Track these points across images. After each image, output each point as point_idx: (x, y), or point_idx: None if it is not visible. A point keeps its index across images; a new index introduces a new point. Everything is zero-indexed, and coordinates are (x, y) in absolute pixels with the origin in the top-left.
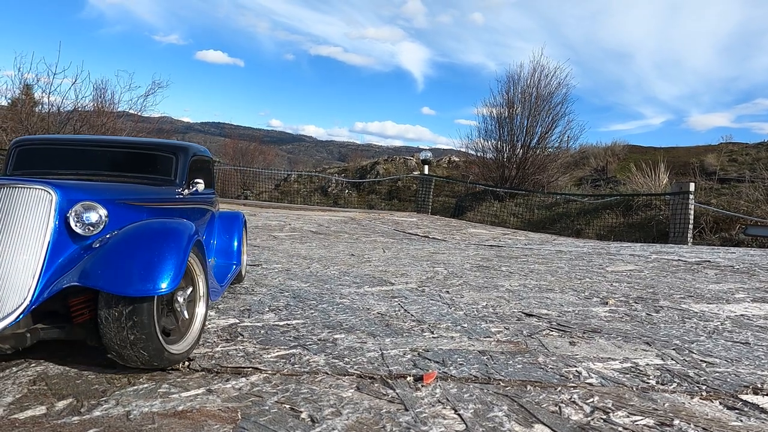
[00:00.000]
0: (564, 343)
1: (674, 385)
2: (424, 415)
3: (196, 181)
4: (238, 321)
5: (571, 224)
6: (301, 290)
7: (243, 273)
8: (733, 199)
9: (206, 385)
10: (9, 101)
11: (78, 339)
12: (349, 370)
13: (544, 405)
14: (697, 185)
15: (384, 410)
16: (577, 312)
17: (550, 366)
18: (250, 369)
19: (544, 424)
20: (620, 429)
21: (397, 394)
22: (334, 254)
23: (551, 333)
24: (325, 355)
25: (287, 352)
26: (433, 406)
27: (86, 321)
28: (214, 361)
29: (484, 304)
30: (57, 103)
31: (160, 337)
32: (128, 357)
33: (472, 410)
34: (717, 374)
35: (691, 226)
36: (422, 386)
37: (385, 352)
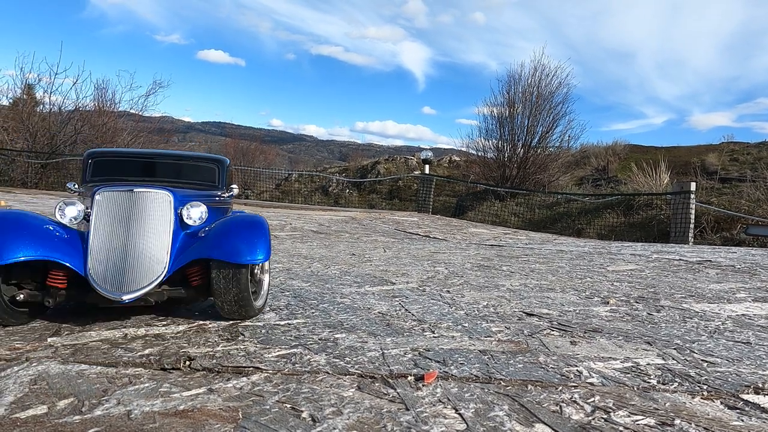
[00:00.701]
0: (565, 342)
1: (675, 384)
2: (425, 414)
3: (232, 186)
4: (239, 320)
5: (572, 224)
6: (302, 290)
7: None
8: (734, 198)
9: (207, 385)
10: (11, 101)
11: (191, 299)
12: (350, 370)
13: (545, 404)
14: (699, 185)
15: (385, 410)
16: (578, 311)
17: (551, 365)
18: (251, 368)
19: (545, 424)
20: (621, 429)
21: (398, 393)
22: (334, 254)
23: (552, 332)
24: (326, 355)
25: (288, 351)
26: (433, 405)
27: (198, 285)
28: (215, 361)
29: (485, 304)
30: (58, 103)
31: (251, 295)
32: (230, 309)
33: (473, 410)
34: (718, 374)
35: (692, 226)
36: (423, 386)
37: (385, 351)
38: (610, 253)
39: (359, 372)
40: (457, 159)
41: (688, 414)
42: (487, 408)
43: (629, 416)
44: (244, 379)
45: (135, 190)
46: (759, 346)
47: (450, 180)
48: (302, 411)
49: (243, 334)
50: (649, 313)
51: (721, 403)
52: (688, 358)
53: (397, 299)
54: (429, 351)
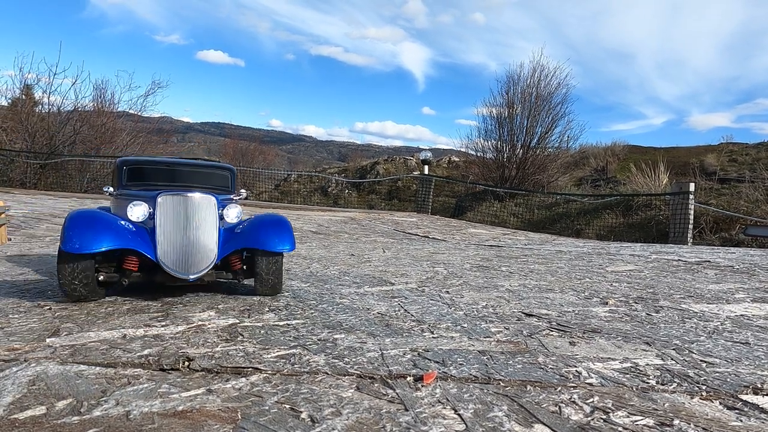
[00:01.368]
0: (564, 343)
1: (674, 385)
2: (424, 415)
3: (240, 190)
4: (238, 321)
5: (571, 224)
6: (301, 290)
7: None
8: (733, 199)
9: (206, 385)
10: (9, 101)
11: (231, 280)
12: (349, 370)
13: (544, 405)
14: (697, 185)
15: (384, 410)
16: (577, 312)
17: (550, 366)
18: (250, 369)
19: (544, 424)
20: (620, 429)
21: (397, 394)
22: (334, 254)
23: (551, 333)
24: (325, 355)
25: (287, 352)
26: (433, 406)
27: (238, 269)
28: (214, 361)
29: (484, 304)
30: (57, 103)
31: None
32: (269, 287)
33: (472, 410)
34: (717, 374)
35: (691, 226)
36: (422, 386)
37: (385, 352)
38: (609, 254)
39: (358, 372)
40: (457, 159)
41: (687, 414)
42: (486, 408)
43: (628, 417)
44: (243, 379)
45: (187, 194)
46: (758, 347)
47: (449, 180)
48: (301, 411)
49: (242, 335)
50: (648, 314)
51: (720, 403)
52: (687, 359)
53: (396, 300)
54: (428, 351)
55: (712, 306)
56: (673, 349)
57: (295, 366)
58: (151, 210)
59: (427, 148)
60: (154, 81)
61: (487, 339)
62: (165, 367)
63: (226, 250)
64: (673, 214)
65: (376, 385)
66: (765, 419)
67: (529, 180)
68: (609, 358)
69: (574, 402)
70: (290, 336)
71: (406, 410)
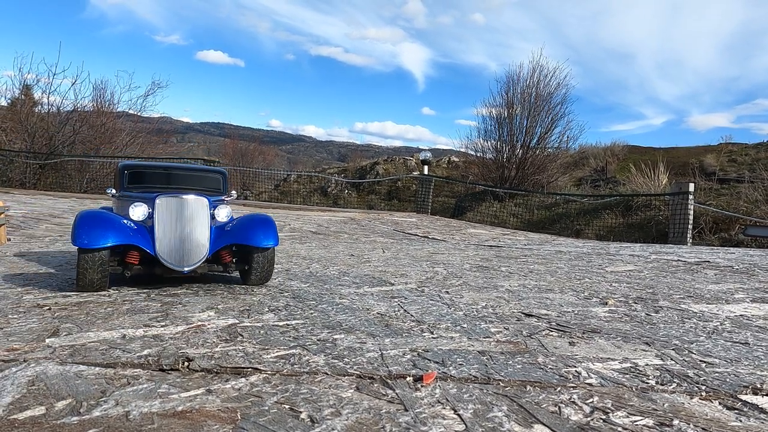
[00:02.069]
0: (563, 343)
1: (674, 385)
2: (424, 415)
3: (231, 191)
4: (237, 321)
5: (570, 224)
6: (301, 290)
7: None
8: (732, 199)
9: (206, 386)
10: (9, 101)
11: (221, 272)
12: (348, 371)
13: (544, 405)
14: (697, 186)
15: (384, 410)
16: (576, 312)
17: (549, 366)
18: (250, 369)
19: (544, 425)
20: (620, 429)
21: (396, 394)
22: (333, 254)
23: (551, 333)
24: (324, 356)
25: (287, 352)
26: (432, 406)
27: (227, 263)
28: (213, 362)
29: (484, 305)
30: (57, 104)
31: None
32: (260, 277)
33: (472, 410)
34: (716, 374)
35: (690, 227)
36: (422, 386)
37: (384, 352)
38: (609, 254)
39: (358, 373)
40: (456, 160)
41: (687, 414)
42: (486, 408)
43: (628, 417)
44: (243, 379)
45: (182, 196)
46: (757, 347)
47: (449, 181)
48: (301, 412)
49: (241, 335)
50: (647, 314)
51: (720, 403)
52: (687, 359)
53: (395, 300)
54: (428, 352)
55: (712, 306)
56: (673, 350)
57: (295, 366)
58: (150, 210)
59: (427, 148)
60: (154, 81)
61: (487, 339)
62: (164, 367)
63: (217, 246)
64: (672, 214)
65: (375, 385)
66: (764, 419)
67: (529, 180)
68: (608, 358)
69: (573, 402)
70: (290, 336)
71: (406, 410)
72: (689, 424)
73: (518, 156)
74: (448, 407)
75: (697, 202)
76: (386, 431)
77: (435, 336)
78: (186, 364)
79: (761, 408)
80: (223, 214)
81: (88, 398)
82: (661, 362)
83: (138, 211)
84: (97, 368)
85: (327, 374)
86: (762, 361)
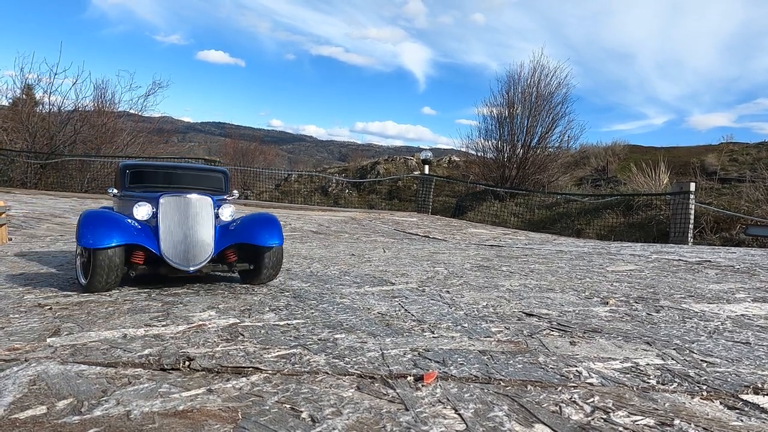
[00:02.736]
0: (564, 342)
1: (675, 384)
2: (425, 414)
3: (233, 191)
4: (238, 321)
5: (571, 224)
6: (302, 290)
7: None
8: (733, 199)
9: (207, 385)
10: (10, 101)
11: (226, 271)
12: (349, 370)
13: (545, 405)
14: (698, 185)
15: (384, 410)
16: (577, 312)
17: (550, 366)
18: (251, 369)
19: (545, 424)
20: (621, 429)
21: (397, 393)
22: (334, 254)
23: (552, 333)
24: (325, 355)
25: (288, 351)
26: (433, 405)
27: (233, 261)
28: (214, 361)
29: (485, 304)
30: (58, 103)
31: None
32: (270, 274)
33: (473, 410)
34: (717, 374)
35: (691, 226)
36: (422, 386)
37: (385, 351)
38: (610, 254)
39: (359, 372)
40: (457, 159)
41: (688, 414)
42: (487, 408)
43: (629, 416)
44: (244, 379)
45: (186, 196)
46: (758, 346)
47: (449, 180)
48: (302, 411)
49: (242, 335)
50: (648, 314)
51: (721, 403)
52: (688, 359)
53: (396, 300)
54: (428, 351)
55: (713, 306)
56: (674, 349)
57: (296, 366)
58: (154, 209)
59: (428, 147)
60: (155, 81)
61: (488, 339)
62: (165, 366)
63: (221, 245)
64: (673, 213)
65: (376, 384)
66: (765, 419)
67: (530, 180)
68: (609, 357)
69: (574, 402)
70: (291, 336)
71: (407, 410)
72: (690, 423)
73: (519, 155)
74: (448, 407)
75: (698, 202)
76: (387, 431)
77: (436, 335)
78: (187, 363)
79: (762, 408)
80: (227, 213)
81: (90, 398)
82: (662, 362)
83: (142, 211)
84: (98, 368)
85: (328, 374)
86: (763, 361)
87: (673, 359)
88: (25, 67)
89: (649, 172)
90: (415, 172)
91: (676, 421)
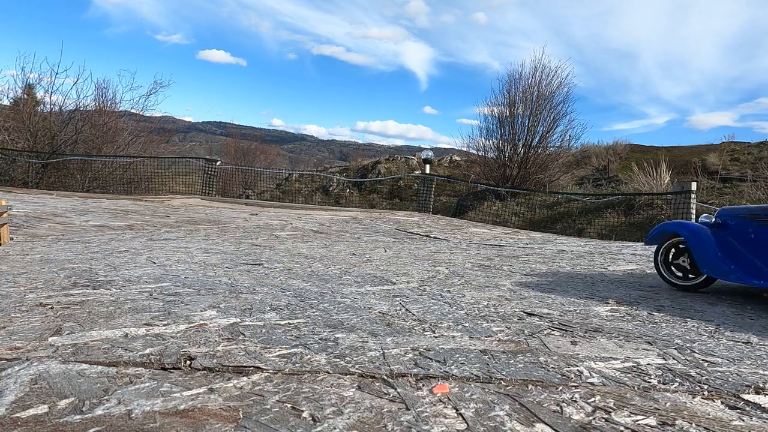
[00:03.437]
0: (565, 342)
1: (676, 384)
2: (426, 414)
3: None
4: (239, 320)
5: (572, 223)
6: (303, 289)
7: None
8: (735, 198)
9: (208, 384)
10: (11, 101)
11: None
12: (350, 370)
13: (546, 404)
14: (699, 184)
15: (385, 409)
16: (578, 311)
17: (551, 365)
18: (252, 368)
19: (546, 424)
20: (622, 428)
21: (398, 393)
22: (335, 253)
23: (553, 332)
24: (326, 355)
25: (289, 351)
26: (434, 405)
27: None
28: (215, 360)
29: (486, 304)
30: (59, 103)
31: None
32: None
33: (474, 409)
34: (719, 374)
35: None
36: (423, 386)
37: (386, 351)
38: (611, 253)
39: (360, 372)
40: (458, 159)
41: (689, 414)
42: (488, 408)
43: (630, 416)
44: (245, 378)
45: None
46: (760, 346)
47: (450, 180)
48: (303, 411)
49: (243, 334)
50: (649, 313)
51: (722, 403)
52: (689, 358)
53: (397, 299)
54: (429, 351)
55: (714, 305)
56: (675, 349)
57: (297, 365)
58: None
59: (429, 147)
60: (156, 80)
61: (489, 338)
62: (167, 366)
63: None
64: (675, 213)
65: (377, 384)
66: (767, 419)
67: (531, 179)
68: (610, 357)
69: (575, 401)
70: (292, 335)
71: (408, 409)
72: (691, 423)
73: (520, 155)
74: (449, 406)
75: (700, 201)
76: (388, 430)
77: (437, 335)
78: (188, 362)
79: (764, 407)
80: None
81: (91, 397)
82: (663, 361)
83: None
84: (100, 367)
85: (329, 373)
86: (765, 361)
87: (674, 359)
88: (26, 67)
89: (651, 172)
90: (416, 172)
91: (678, 421)
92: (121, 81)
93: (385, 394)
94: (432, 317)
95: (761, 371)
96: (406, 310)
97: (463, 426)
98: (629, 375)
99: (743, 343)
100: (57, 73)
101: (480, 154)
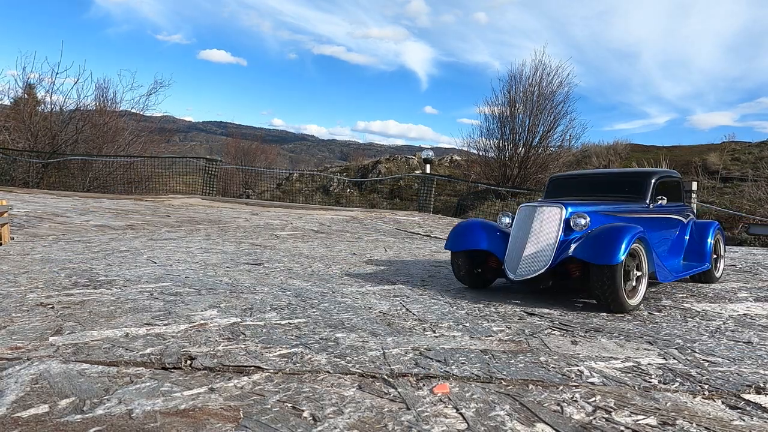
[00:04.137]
0: (566, 342)
1: (676, 384)
2: (426, 414)
3: (658, 197)
4: (240, 320)
5: None
6: (303, 289)
7: (715, 274)
8: (735, 198)
9: (208, 384)
10: (12, 101)
11: (574, 287)
12: (351, 369)
13: (546, 404)
14: (700, 184)
15: (386, 409)
16: (578, 311)
17: (552, 365)
18: (252, 368)
19: (546, 423)
20: (622, 428)
21: (398, 393)
22: (335, 253)
23: (553, 332)
24: (327, 354)
25: (289, 350)
26: (434, 405)
27: (576, 277)
28: (216, 360)
29: (486, 303)
30: (59, 103)
31: (623, 292)
32: (602, 301)
33: (474, 409)
34: (719, 373)
35: None
36: (424, 385)
37: (386, 351)
38: None
39: (360, 371)
40: (458, 158)
41: (690, 414)
42: (488, 407)
43: (630, 416)
44: (245, 378)
45: (539, 206)
46: (760, 346)
47: (451, 179)
48: (303, 410)
49: (244, 334)
50: (650, 313)
51: (723, 402)
52: (690, 358)
53: (398, 299)
54: (430, 350)
55: (715, 305)
56: (676, 349)
57: (297, 365)
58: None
59: (429, 147)
60: (157, 80)
61: (489, 338)
62: (167, 365)
63: (557, 258)
64: None
65: (378, 383)
66: (767, 418)
67: (531, 179)
68: (611, 357)
69: (576, 401)
70: (292, 335)
71: (408, 409)
72: (692, 423)
73: (520, 154)
74: (450, 406)
75: (701, 201)
76: (388, 430)
77: (437, 335)
78: (188, 362)
79: (764, 407)
80: (581, 222)
81: (92, 396)
82: (663, 361)
83: (504, 220)
84: (100, 366)
85: (329, 373)
86: (765, 360)
87: (674, 359)
88: (27, 67)
89: None
90: (417, 172)
91: (678, 421)
92: (122, 81)
93: (386, 393)
94: (432, 317)
95: (762, 371)
96: (407, 309)
97: (463, 426)
98: (630, 375)
99: (744, 343)
100: (57, 73)
101: (480, 153)
